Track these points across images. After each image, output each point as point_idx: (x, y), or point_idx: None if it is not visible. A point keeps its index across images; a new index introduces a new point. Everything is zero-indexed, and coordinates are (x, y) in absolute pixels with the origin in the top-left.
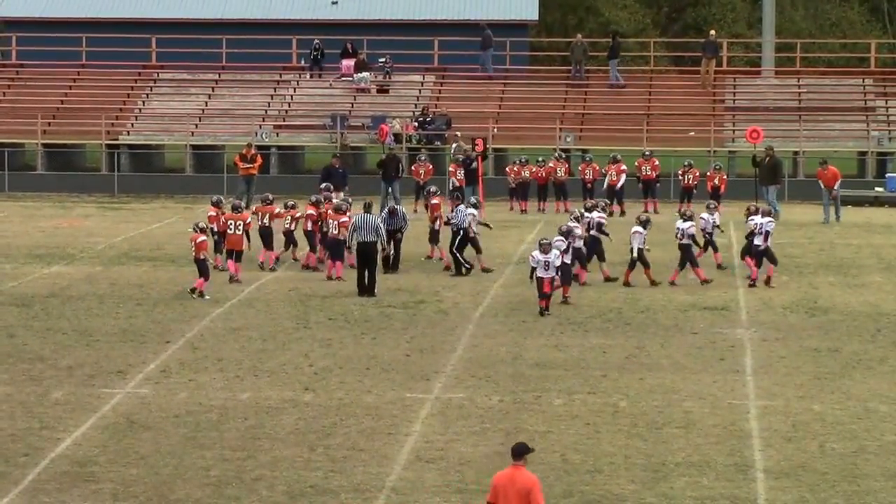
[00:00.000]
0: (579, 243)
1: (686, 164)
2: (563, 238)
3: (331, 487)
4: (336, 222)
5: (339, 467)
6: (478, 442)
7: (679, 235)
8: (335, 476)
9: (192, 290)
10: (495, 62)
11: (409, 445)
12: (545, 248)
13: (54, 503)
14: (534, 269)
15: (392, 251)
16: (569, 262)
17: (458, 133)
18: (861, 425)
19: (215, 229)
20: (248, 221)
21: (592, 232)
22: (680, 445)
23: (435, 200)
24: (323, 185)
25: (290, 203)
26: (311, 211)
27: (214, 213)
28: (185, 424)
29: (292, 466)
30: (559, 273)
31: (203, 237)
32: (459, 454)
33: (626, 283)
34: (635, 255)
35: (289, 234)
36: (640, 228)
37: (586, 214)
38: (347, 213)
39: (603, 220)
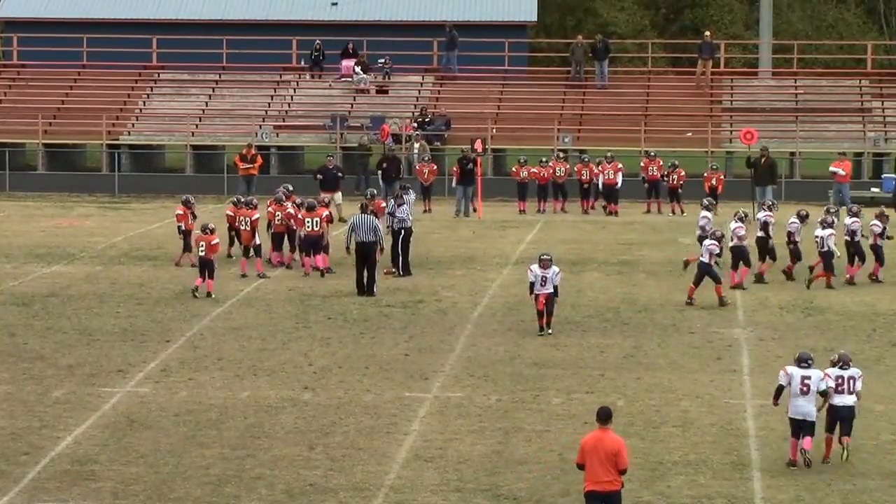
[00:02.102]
0: (745, 241)
1: (671, 164)
2: (715, 242)
3: (330, 486)
4: (318, 219)
5: (339, 466)
6: (476, 441)
7: (847, 235)
8: (334, 475)
9: (195, 290)
10: (494, 63)
11: (407, 444)
12: (545, 263)
13: (55, 501)
14: (532, 283)
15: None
16: (713, 263)
17: (420, 133)
18: (857, 424)
19: (183, 228)
20: (255, 218)
21: (759, 233)
22: (677, 444)
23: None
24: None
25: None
26: (229, 212)
27: (182, 212)
28: (184, 423)
29: (291, 465)
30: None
31: (216, 238)
32: (458, 453)
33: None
34: (837, 253)
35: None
36: (831, 230)
37: (759, 215)
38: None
39: (770, 220)
